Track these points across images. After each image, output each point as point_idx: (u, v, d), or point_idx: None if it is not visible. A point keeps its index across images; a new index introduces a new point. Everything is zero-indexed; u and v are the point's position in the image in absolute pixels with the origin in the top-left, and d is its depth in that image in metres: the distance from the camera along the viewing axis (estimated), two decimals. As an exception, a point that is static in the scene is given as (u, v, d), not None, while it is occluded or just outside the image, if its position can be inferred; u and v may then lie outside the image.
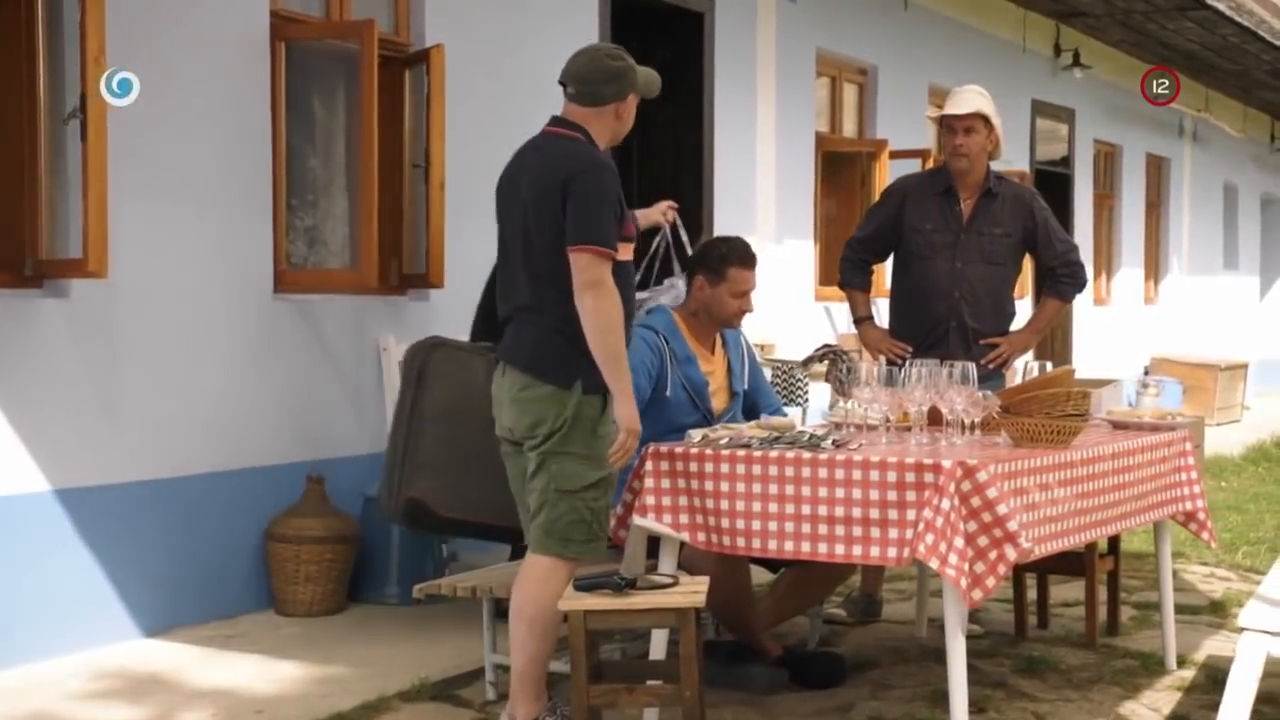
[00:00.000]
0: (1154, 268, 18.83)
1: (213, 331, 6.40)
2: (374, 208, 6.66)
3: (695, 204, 9.66)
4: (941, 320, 6.30)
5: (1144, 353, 17.50)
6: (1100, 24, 14.91)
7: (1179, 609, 6.66)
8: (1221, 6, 14.05)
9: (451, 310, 7.42)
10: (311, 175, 7.25)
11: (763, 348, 9.70)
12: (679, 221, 8.55)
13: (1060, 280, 6.51)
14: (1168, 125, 18.37)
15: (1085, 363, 15.82)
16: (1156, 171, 18.71)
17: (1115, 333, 16.81)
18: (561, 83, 4.67)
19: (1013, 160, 13.93)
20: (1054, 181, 15.46)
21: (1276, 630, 4.18)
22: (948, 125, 6.34)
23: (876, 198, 7.30)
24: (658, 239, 8.37)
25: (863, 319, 6.56)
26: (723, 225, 9.68)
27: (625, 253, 4.53)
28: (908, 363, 5.10)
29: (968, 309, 6.29)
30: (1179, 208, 19.33)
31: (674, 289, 8.02)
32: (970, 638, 6.14)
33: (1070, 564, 6.26)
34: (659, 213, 8.43)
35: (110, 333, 5.98)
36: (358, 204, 6.89)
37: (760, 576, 5.97)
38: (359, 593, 6.74)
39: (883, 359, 6.22)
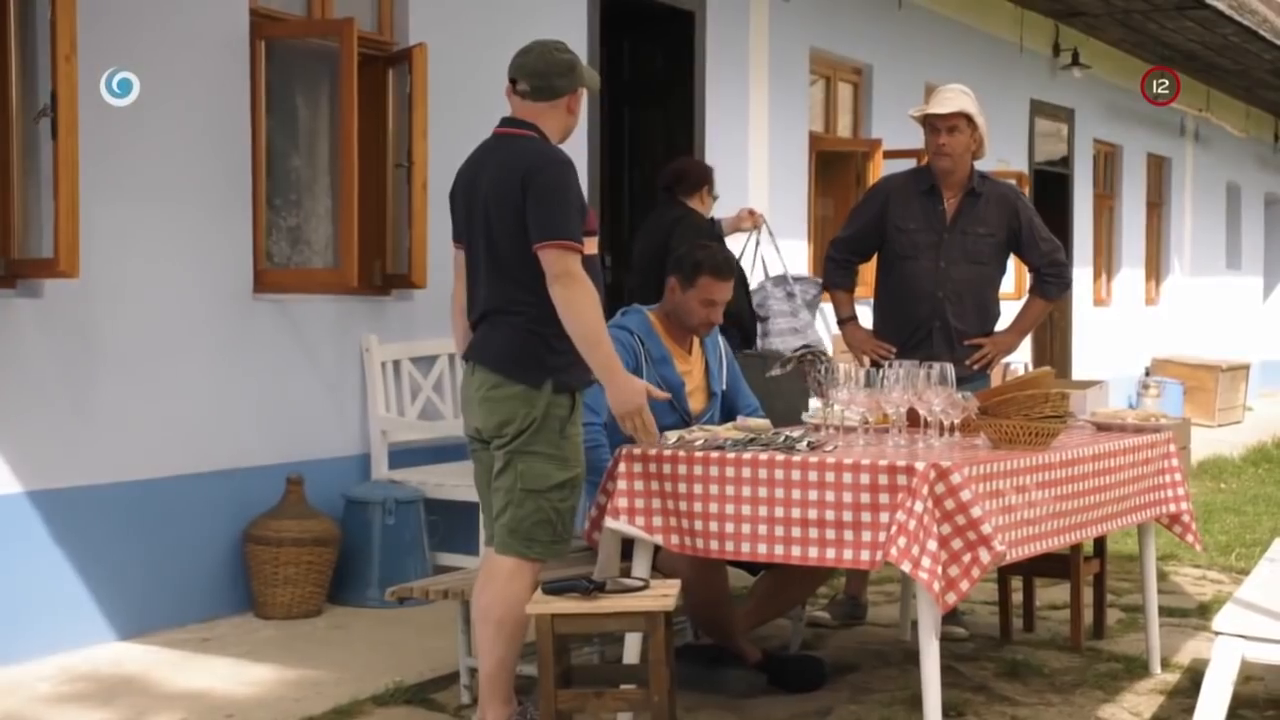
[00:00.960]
0: (1155, 268, 18.76)
1: (190, 331, 6.36)
2: (354, 207, 6.61)
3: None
4: (925, 321, 6.24)
5: (1145, 354, 17.44)
6: (1099, 23, 14.85)
7: (1167, 611, 6.63)
8: (1221, 6, 13.97)
9: (435, 310, 7.38)
10: (294, 175, 7.21)
11: (754, 348, 9.65)
12: (768, 226, 8.59)
13: (1045, 280, 6.46)
14: (1169, 125, 18.29)
15: (1085, 364, 15.78)
16: (1157, 171, 18.64)
17: (1116, 334, 16.75)
18: (512, 79, 4.62)
19: (1011, 160, 13.89)
20: (1053, 182, 15.41)
21: (1252, 634, 4.13)
22: (931, 124, 6.28)
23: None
24: (744, 245, 8.42)
25: (846, 319, 6.51)
26: (714, 228, 9.63)
27: (590, 247, 4.51)
28: (887, 363, 5.06)
29: (951, 309, 6.24)
30: (1180, 208, 19.25)
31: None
32: (954, 640, 6.13)
33: (1056, 566, 6.23)
34: (743, 220, 8.46)
35: (85, 333, 5.94)
36: (339, 203, 6.84)
37: (741, 580, 5.92)
38: (340, 595, 6.69)
39: (866, 359, 6.19)
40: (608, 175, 9.63)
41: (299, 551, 6.36)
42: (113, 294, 6.01)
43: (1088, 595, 6.32)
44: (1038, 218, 6.50)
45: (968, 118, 6.23)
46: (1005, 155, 13.89)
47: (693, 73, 9.63)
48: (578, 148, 8.58)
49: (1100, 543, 6.36)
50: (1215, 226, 20.60)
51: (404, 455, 7.19)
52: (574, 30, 8.53)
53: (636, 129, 9.83)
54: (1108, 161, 17.20)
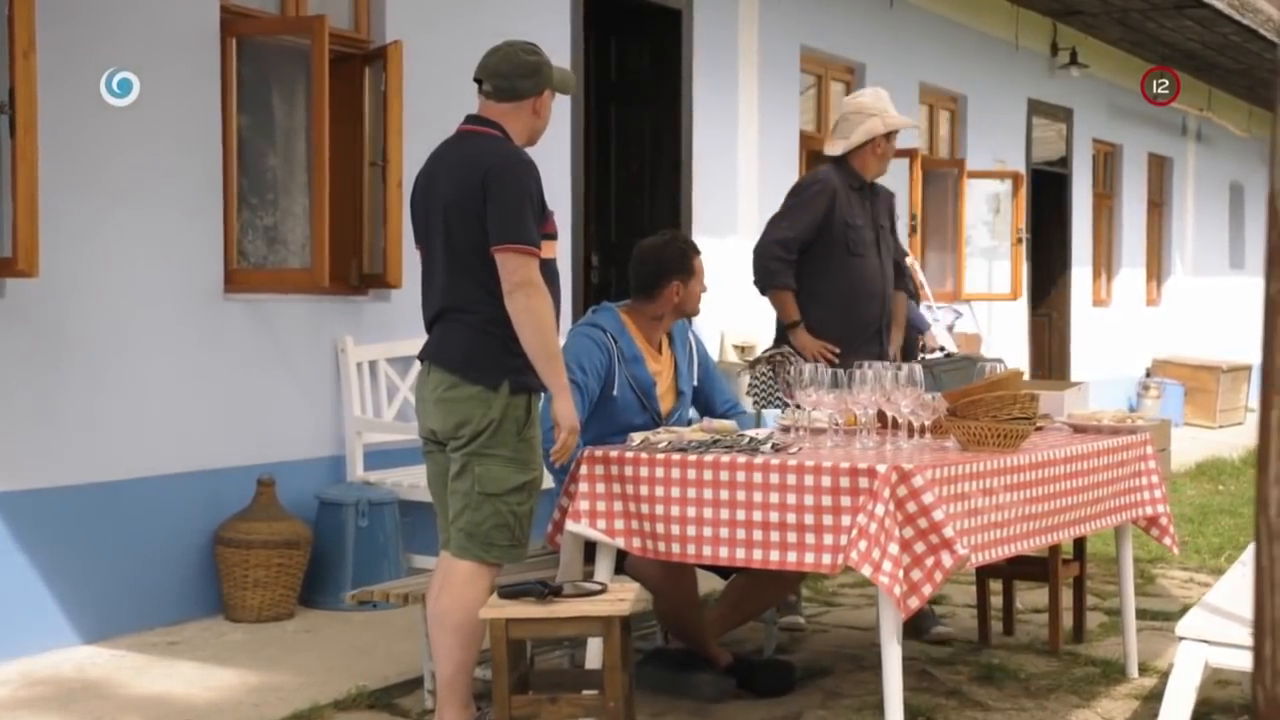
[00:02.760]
0: (1156, 268, 18.64)
1: (158, 331, 6.28)
2: (325, 206, 6.54)
3: (673, 207, 9.54)
4: (876, 319, 6.23)
5: (1145, 354, 17.33)
6: (1098, 22, 14.75)
7: (1150, 615, 6.56)
8: (1220, 5, 13.87)
9: (411, 310, 7.29)
10: (269, 173, 7.15)
11: (743, 349, 9.60)
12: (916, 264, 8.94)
13: (901, 276, 6.57)
14: (1170, 125, 18.18)
15: (1084, 365, 15.68)
16: (1159, 171, 18.52)
17: (1116, 334, 16.64)
18: (477, 80, 4.59)
19: (1008, 160, 13.81)
20: (1051, 182, 15.31)
21: (1216, 640, 4.05)
22: (889, 132, 6.27)
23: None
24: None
25: (796, 323, 6.29)
26: (703, 227, 9.56)
27: (549, 250, 4.45)
28: (858, 365, 4.99)
29: (890, 306, 6.32)
30: (1182, 208, 19.13)
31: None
32: (938, 642, 6.06)
33: (1035, 569, 6.17)
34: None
35: (48, 332, 5.86)
36: (311, 203, 6.76)
37: (714, 583, 5.85)
38: (313, 597, 6.62)
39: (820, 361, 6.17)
40: (594, 174, 9.57)
41: (269, 554, 6.29)
42: (77, 293, 5.94)
43: (1068, 598, 6.26)
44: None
45: None
46: (1002, 155, 13.81)
47: (679, 71, 9.55)
48: (560, 147, 8.51)
49: (1080, 545, 6.29)
50: (1218, 226, 20.48)
51: (380, 456, 7.12)
52: (557, 28, 8.47)
53: (623, 128, 9.76)
54: (1107, 161, 17.09)
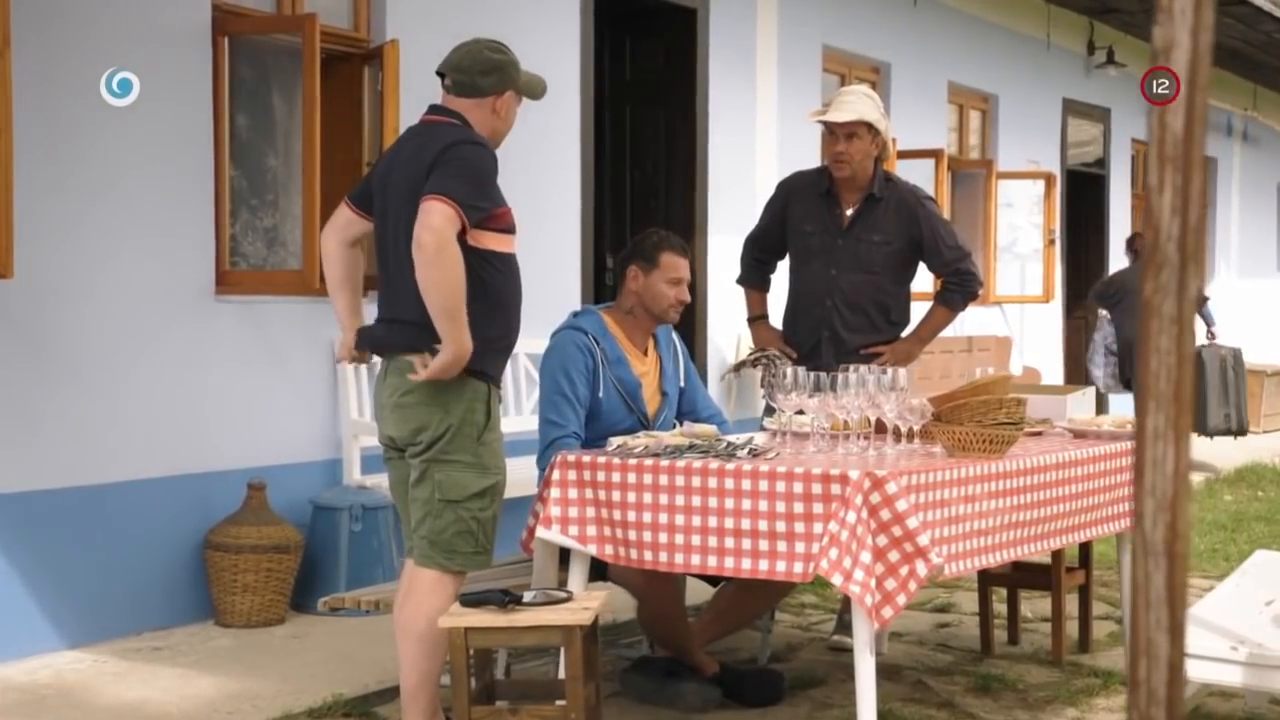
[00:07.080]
0: (1200, 270, 18.32)
1: (146, 332, 6.20)
2: (316, 207, 6.43)
3: (687, 209, 9.42)
4: (815, 329, 6.07)
5: (1188, 358, 17.04)
6: (1136, 20, 14.50)
7: (1163, 625, 6.38)
8: (1262, 2, 13.61)
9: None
10: (268, 174, 7.07)
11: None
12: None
13: (948, 289, 6.23)
14: (1215, 125, 17.87)
15: (1123, 368, 15.44)
16: (1202, 171, 18.21)
17: (1156, 337, 16.36)
18: (440, 74, 4.49)
19: (1041, 161, 13.61)
20: (1088, 183, 15.10)
21: (1195, 653, 3.90)
22: (829, 130, 6.06)
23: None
24: None
25: (755, 318, 6.37)
26: (719, 231, 9.43)
27: (507, 245, 4.34)
28: (843, 369, 4.87)
29: (839, 319, 6.03)
30: (1227, 208, 18.83)
31: None
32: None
33: (1039, 577, 6.03)
34: None
35: (30, 334, 5.79)
36: (303, 203, 6.68)
37: (706, 592, 5.74)
38: (307, 602, 6.52)
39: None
40: (608, 175, 9.47)
41: (258, 558, 6.21)
42: (60, 294, 5.86)
43: (1073, 607, 6.11)
44: (943, 225, 6.23)
45: (867, 124, 5.97)
46: (1036, 156, 13.61)
47: (695, 71, 9.42)
48: (571, 147, 8.42)
49: (1085, 552, 6.13)
50: (1265, 228, 20.15)
51: (378, 460, 6.93)
52: (565, 27, 8.36)
53: (637, 128, 9.65)
54: (1148, 162, 16.80)
